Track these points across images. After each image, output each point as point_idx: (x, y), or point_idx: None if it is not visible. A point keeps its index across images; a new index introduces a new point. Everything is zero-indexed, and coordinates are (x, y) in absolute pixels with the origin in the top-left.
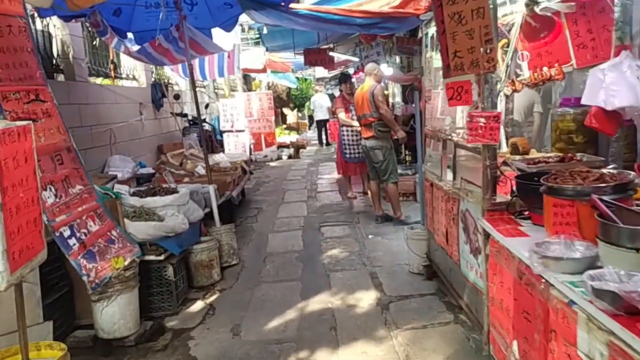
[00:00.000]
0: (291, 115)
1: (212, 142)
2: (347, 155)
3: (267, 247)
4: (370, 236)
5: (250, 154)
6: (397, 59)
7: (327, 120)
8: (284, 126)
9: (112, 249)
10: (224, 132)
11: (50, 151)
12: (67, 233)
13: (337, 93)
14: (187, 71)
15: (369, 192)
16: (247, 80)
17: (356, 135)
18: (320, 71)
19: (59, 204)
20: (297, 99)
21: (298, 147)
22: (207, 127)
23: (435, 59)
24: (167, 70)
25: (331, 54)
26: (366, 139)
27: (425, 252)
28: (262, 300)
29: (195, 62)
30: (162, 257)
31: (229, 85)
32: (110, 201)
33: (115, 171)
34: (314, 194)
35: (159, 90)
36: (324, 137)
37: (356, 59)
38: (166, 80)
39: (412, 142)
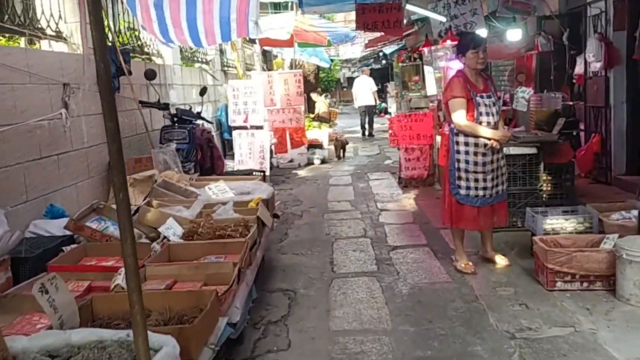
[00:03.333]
0: (321, 102)
1: (212, 150)
2: (462, 193)
3: None
4: None
5: (271, 157)
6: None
7: (372, 107)
8: (311, 116)
9: None
10: (235, 128)
11: None
12: None
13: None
14: (170, 33)
15: (496, 259)
16: (267, 57)
17: (484, 155)
18: (346, 50)
19: None
20: (322, 83)
21: (343, 145)
22: (202, 124)
23: None
24: (139, 29)
25: (410, 6)
26: None
27: None
28: None
29: (181, 13)
30: None
31: (243, 62)
32: None
33: None
34: (385, 253)
35: (112, 62)
36: (367, 126)
37: (441, 18)
38: (135, 45)
39: (561, 159)
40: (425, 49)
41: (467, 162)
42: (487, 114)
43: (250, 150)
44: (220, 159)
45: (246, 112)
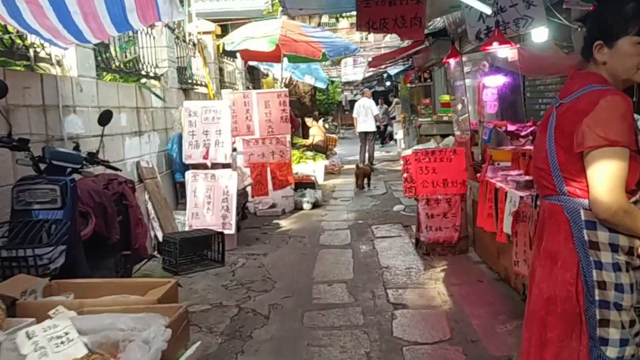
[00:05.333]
0: (317, 129)
1: (128, 213)
2: (612, 355)
3: None
4: None
5: (245, 203)
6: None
7: (373, 133)
8: (306, 142)
9: None
10: (192, 167)
11: None
12: None
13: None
14: (25, 15)
15: None
16: (255, 75)
17: (635, 269)
18: (348, 71)
19: None
20: (322, 106)
21: (367, 174)
22: (105, 170)
23: None
24: None
25: None
26: None
27: None
28: None
29: None
30: None
31: (217, 80)
32: None
33: None
34: None
35: None
36: (367, 155)
37: (486, 9)
38: None
39: None
40: (452, 61)
41: (617, 287)
42: None
43: (209, 198)
44: (141, 226)
45: (207, 144)
